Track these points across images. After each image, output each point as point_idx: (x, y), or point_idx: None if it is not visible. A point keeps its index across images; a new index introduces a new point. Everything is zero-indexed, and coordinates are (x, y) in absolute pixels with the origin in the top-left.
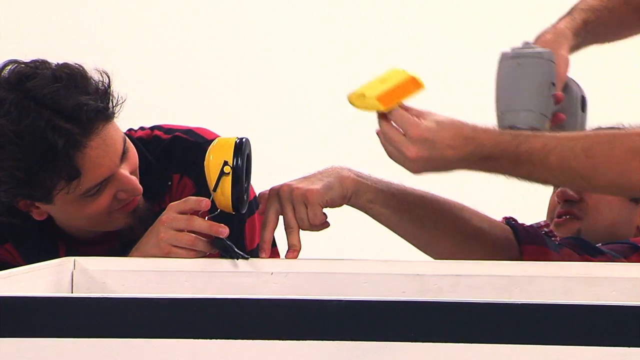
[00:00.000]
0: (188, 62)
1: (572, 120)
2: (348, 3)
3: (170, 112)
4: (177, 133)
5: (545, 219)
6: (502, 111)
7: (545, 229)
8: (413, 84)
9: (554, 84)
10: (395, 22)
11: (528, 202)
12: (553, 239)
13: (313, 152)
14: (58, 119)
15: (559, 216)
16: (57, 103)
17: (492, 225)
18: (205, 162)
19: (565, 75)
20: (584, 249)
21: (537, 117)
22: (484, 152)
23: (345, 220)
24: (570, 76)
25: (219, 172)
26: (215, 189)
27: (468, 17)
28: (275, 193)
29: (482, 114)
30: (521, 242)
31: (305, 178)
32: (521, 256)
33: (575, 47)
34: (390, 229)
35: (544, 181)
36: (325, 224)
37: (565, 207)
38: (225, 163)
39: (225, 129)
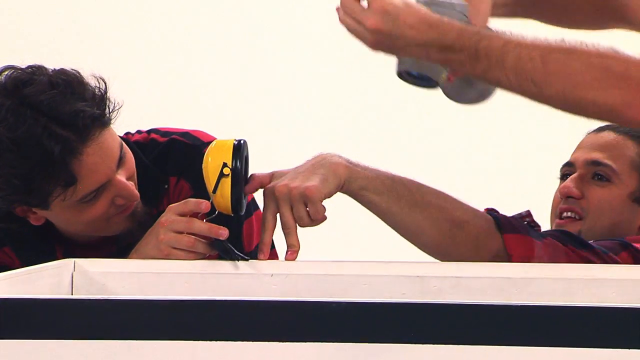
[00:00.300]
0: (183, 65)
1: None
2: None
3: (167, 115)
4: (173, 136)
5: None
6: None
7: (527, 219)
8: None
9: None
10: None
11: (527, 202)
12: (536, 228)
13: (310, 151)
14: (54, 126)
15: (561, 213)
16: (53, 110)
17: (476, 215)
18: (203, 164)
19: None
20: (568, 240)
21: (433, 67)
22: (445, 41)
23: (344, 220)
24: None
25: (218, 174)
26: (214, 191)
27: None
28: (271, 193)
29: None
30: (503, 231)
31: (298, 173)
32: (504, 246)
33: (504, 9)
34: (380, 217)
35: (496, 81)
36: (324, 217)
37: (568, 203)
38: (225, 165)
39: (222, 132)
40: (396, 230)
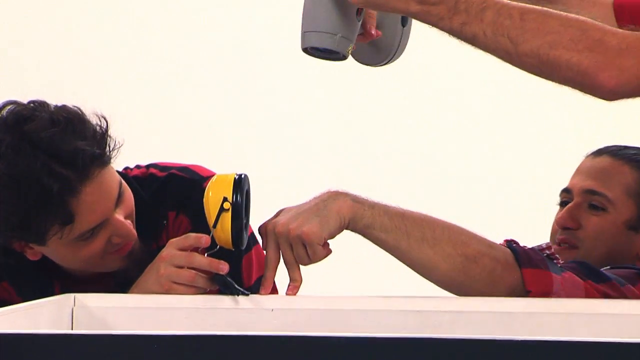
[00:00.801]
0: (184, 100)
1: (390, 35)
2: None
3: (166, 151)
4: (172, 170)
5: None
6: (303, 31)
7: (548, 252)
8: None
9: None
10: None
11: (530, 227)
12: (555, 261)
13: (310, 182)
14: (54, 164)
15: (559, 244)
16: (53, 147)
17: (492, 248)
18: (204, 199)
19: None
20: (588, 274)
21: (337, 40)
22: None
23: (346, 255)
24: None
25: (218, 208)
26: (215, 225)
27: None
28: (272, 231)
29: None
30: (522, 265)
31: (299, 213)
32: (522, 280)
33: None
34: (389, 253)
35: (472, 36)
36: (327, 252)
37: (564, 234)
38: (225, 199)
39: (222, 166)
40: (407, 266)
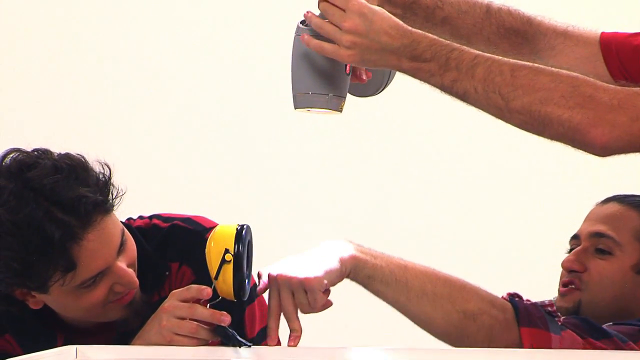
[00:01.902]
0: (186, 153)
1: (380, 71)
2: None
3: (169, 201)
4: (175, 221)
5: (549, 298)
6: (294, 93)
7: (549, 308)
8: None
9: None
10: None
11: (535, 279)
12: (556, 319)
13: (313, 234)
14: (56, 211)
15: (564, 285)
16: (56, 194)
17: (492, 305)
18: (206, 250)
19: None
20: (588, 332)
21: (329, 99)
22: (417, 49)
23: (348, 306)
24: None
25: (220, 259)
26: (216, 277)
27: None
28: (274, 279)
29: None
30: (520, 324)
31: (301, 261)
32: (520, 338)
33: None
34: (389, 304)
35: (464, 92)
36: (327, 304)
37: (570, 276)
38: (227, 251)
39: (225, 217)
40: (406, 317)
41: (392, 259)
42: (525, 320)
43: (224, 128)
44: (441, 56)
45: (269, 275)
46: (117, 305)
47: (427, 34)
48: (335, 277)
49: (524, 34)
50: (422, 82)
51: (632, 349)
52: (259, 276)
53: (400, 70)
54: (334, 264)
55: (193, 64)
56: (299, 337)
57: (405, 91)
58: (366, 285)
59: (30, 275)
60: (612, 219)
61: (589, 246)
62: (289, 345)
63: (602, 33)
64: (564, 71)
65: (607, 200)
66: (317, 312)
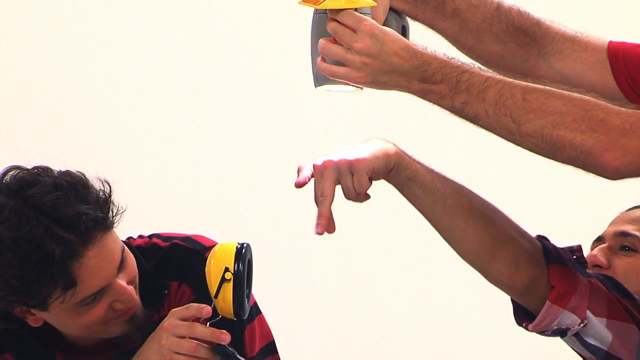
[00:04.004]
0: (186, 172)
1: None
2: None
3: (169, 220)
4: (175, 240)
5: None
6: (315, 71)
7: (577, 254)
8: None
9: None
10: None
11: None
12: (584, 265)
13: (313, 252)
14: (56, 228)
15: None
16: (56, 211)
17: (523, 236)
18: (206, 269)
19: (382, 18)
20: (614, 288)
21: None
22: (428, 71)
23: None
24: (391, 8)
25: (220, 278)
26: (216, 296)
27: None
28: (320, 168)
29: None
30: (549, 261)
31: (347, 150)
32: (547, 275)
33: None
34: (423, 214)
35: (474, 115)
36: (367, 196)
37: (593, 271)
38: (226, 269)
39: (225, 235)
40: (437, 231)
41: (433, 169)
42: (554, 258)
43: (225, 148)
44: (452, 78)
45: (314, 166)
46: (116, 321)
47: (437, 55)
48: (381, 166)
49: (532, 35)
50: (433, 104)
51: None
52: (298, 171)
53: (410, 92)
54: (380, 154)
55: (193, 83)
56: (325, 225)
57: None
58: (403, 188)
59: (30, 293)
60: (637, 221)
61: (614, 245)
62: (316, 232)
63: (610, 42)
64: (576, 94)
65: (633, 208)
66: (360, 199)
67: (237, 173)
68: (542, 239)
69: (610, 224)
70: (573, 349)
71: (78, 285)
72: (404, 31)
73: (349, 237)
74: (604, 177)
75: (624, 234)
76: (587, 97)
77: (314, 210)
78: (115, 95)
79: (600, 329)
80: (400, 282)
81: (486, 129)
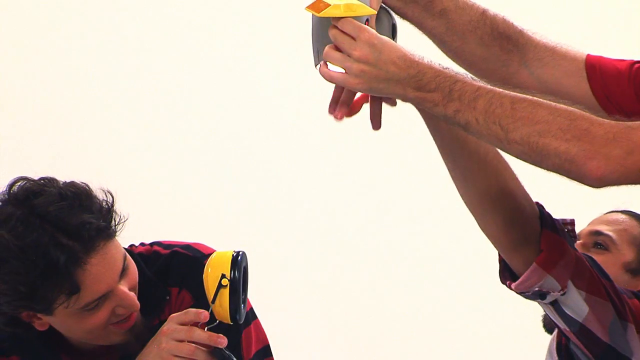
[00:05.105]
0: (185, 182)
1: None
2: None
3: (169, 228)
4: (175, 248)
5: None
6: (315, 49)
7: (569, 227)
8: (364, 8)
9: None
10: None
11: None
12: (573, 239)
13: (309, 257)
14: (61, 236)
15: None
16: (61, 220)
17: (525, 197)
18: (204, 275)
19: (375, 9)
20: (595, 267)
21: None
22: (423, 80)
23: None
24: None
25: (217, 284)
26: (213, 301)
27: None
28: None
29: None
30: (543, 226)
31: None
32: (538, 238)
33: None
34: (440, 148)
35: (465, 123)
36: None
37: None
38: (223, 276)
39: (224, 243)
40: (449, 169)
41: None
42: (549, 224)
43: (224, 161)
44: (445, 87)
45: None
46: (119, 328)
47: (433, 64)
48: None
49: (515, 42)
50: (427, 111)
51: (624, 300)
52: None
53: (405, 100)
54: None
55: (194, 95)
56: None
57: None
58: (428, 115)
59: (36, 298)
60: (613, 223)
61: (588, 242)
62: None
63: (589, 54)
64: (562, 105)
65: (611, 211)
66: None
67: (235, 185)
68: (539, 205)
69: (588, 225)
70: (549, 317)
71: (82, 290)
72: (394, 29)
73: (345, 244)
74: (587, 185)
75: (598, 233)
76: (572, 108)
77: (312, 215)
78: (120, 112)
79: (578, 301)
80: (398, 292)
81: (476, 136)
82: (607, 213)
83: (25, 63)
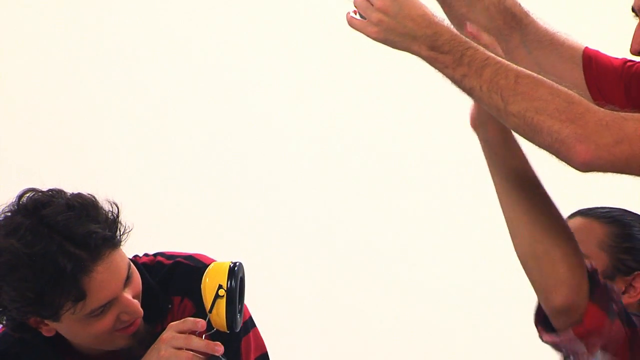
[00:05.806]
0: (186, 195)
1: None
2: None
3: (172, 239)
4: (178, 259)
5: None
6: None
7: (594, 273)
8: None
9: None
10: None
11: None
12: (616, 299)
13: (305, 269)
14: (68, 245)
15: None
16: (68, 230)
17: (581, 265)
18: (202, 285)
19: None
20: (632, 323)
21: None
22: (438, 40)
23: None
24: None
25: (214, 294)
26: (210, 310)
27: None
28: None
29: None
30: (592, 297)
31: None
32: (585, 309)
33: None
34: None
35: (470, 88)
36: None
37: None
38: (220, 286)
39: (224, 252)
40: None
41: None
42: (597, 297)
43: (226, 172)
44: (457, 51)
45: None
46: (123, 334)
47: (450, 28)
48: None
49: (519, 20)
50: (437, 71)
51: None
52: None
53: (418, 56)
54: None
55: (198, 103)
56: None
57: (402, 98)
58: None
59: (44, 304)
60: (577, 233)
61: None
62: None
63: (587, 47)
64: (563, 88)
65: (572, 216)
66: None
67: (237, 194)
68: (593, 272)
69: None
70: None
71: (87, 297)
72: None
73: (345, 253)
74: (573, 167)
75: None
76: (572, 93)
77: (310, 222)
78: (125, 126)
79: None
80: (397, 301)
81: (478, 102)
82: (567, 219)
83: (27, 67)
